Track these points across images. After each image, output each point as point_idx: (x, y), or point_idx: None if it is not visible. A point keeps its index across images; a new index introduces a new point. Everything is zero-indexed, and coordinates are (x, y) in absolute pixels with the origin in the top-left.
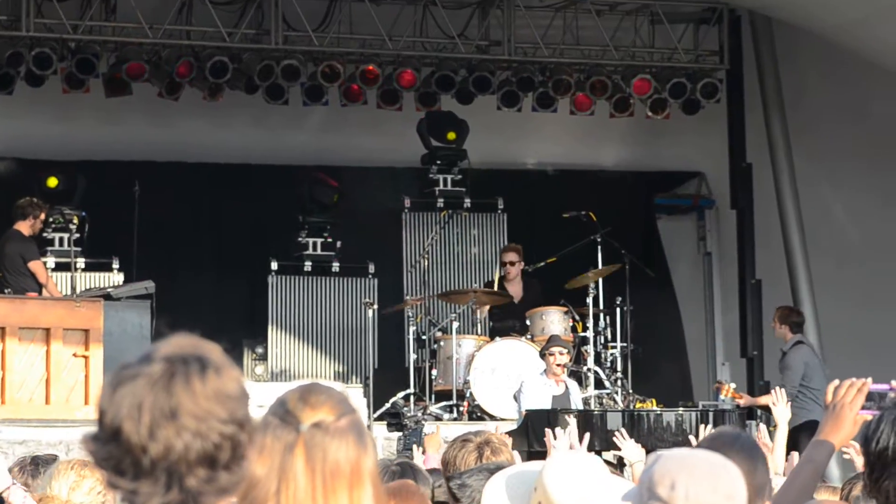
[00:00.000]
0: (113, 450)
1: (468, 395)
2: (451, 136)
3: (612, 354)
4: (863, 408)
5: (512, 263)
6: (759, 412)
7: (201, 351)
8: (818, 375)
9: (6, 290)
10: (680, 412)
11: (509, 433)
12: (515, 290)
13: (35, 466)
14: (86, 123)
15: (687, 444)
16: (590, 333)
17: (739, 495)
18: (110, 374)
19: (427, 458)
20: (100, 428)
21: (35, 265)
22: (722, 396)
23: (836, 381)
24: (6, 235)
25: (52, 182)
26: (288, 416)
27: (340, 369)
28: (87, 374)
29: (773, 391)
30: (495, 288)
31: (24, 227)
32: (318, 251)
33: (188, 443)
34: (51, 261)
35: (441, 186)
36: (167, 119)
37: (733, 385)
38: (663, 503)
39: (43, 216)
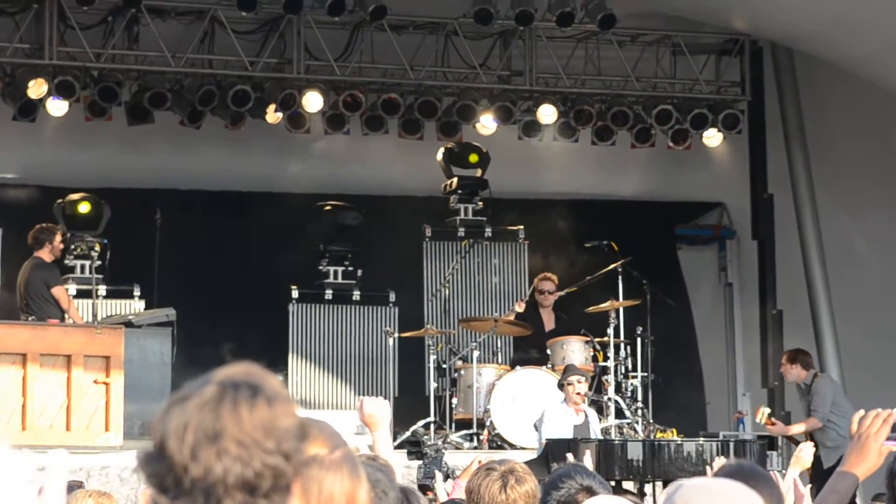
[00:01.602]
0: (158, 467)
1: (488, 423)
2: (474, 158)
3: (632, 384)
4: (888, 438)
5: (550, 292)
6: (779, 444)
7: (256, 379)
8: (847, 402)
9: (30, 318)
10: (700, 442)
11: (529, 462)
12: (548, 318)
13: None
14: (108, 151)
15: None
16: (610, 363)
17: None
18: (171, 396)
19: (456, 484)
20: (151, 446)
21: (58, 291)
22: (757, 419)
23: (862, 412)
24: (29, 263)
25: (86, 209)
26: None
27: (361, 398)
28: (107, 401)
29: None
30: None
31: (45, 254)
32: (339, 279)
33: (228, 467)
34: (72, 288)
35: (462, 216)
36: (189, 147)
37: (768, 410)
38: None
39: (59, 238)
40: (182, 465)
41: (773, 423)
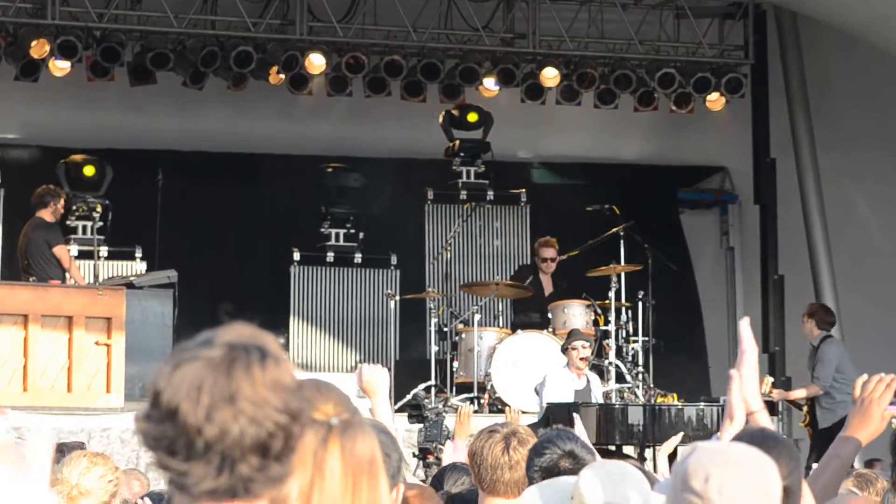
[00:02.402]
0: (167, 429)
1: (489, 387)
2: (473, 117)
3: (633, 349)
4: (891, 403)
5: (553, 259)
6: (780, 408)
7: (262, 341)
8: (851, 368)
9: (31, 278)
10: (701, 407)
11: (530, 426)
12: (547, 283)
13: (61, 454)
14: (110, 112)
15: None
16: (611, 327)
17: (774, 491)
18: (169, 355)
19: (455, 445)
20: (154, 407)
21: (59, 250)
22: (762, 389)
23: (865, 376)
24: (31, 223)
25: (89, 171)
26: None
27: (361, 360)
28: (108, 363)
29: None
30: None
31: (47, 214)
32: (341, 242)
33: (244, 428)
34: (74, 249)
35: (464, 178)
36: (191, 108)
37: (771, 379)
38: (697, 496)
39: (62, 201)
40: (196, 427)
41: (773, 392)
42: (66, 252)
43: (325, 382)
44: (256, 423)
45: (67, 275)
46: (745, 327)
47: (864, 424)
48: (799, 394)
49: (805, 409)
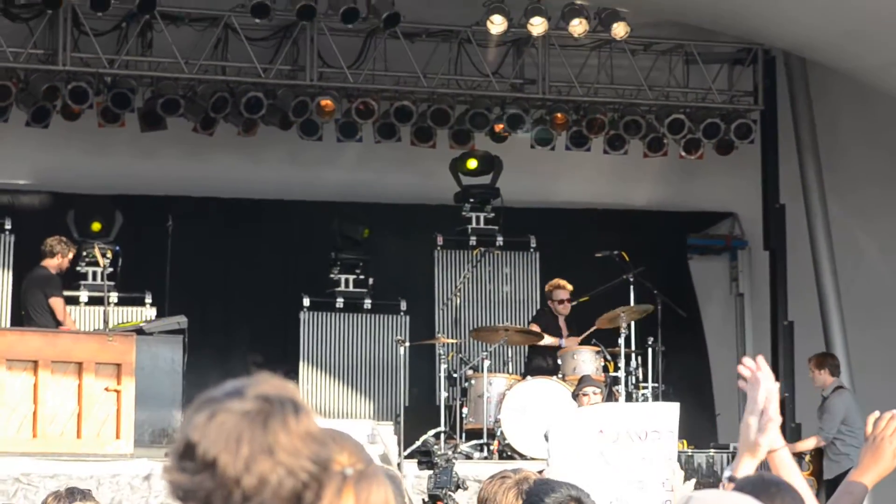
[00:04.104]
0: (204, 481)
1: (499, 433)
2: (471, 164)
3: (643, 395)
4: None
5: (569, 301)
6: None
7: (292, 392)
8: (859, 420)
9: (26, 325)
10: (711, 453)
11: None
12: (564, 326)
13: (71, 498)
14: (121, 158)
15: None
16: (621, 373)
17: None
18: (196, 405)
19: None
20: (188, 458)
21: (55, 302)
22: None
23: (877, 413)
24: (33, 272)
25: (96, 227)
26: (329, 462)
27: (371, 406)
28: (118, 409)
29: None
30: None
31: (51, 264)
32: (351, 288)
33: (281, 479)
34: (84, 295)
35: (474, 224)
36: (201, 154)
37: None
38: None
39: (71, 255)
40: (235, 479)
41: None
42: (61, 304)
43: (339, 431)
44: (292, 474)
45: (61, 328)
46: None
47: (875, 461)
48: (806, 445)
49: (808, 458)
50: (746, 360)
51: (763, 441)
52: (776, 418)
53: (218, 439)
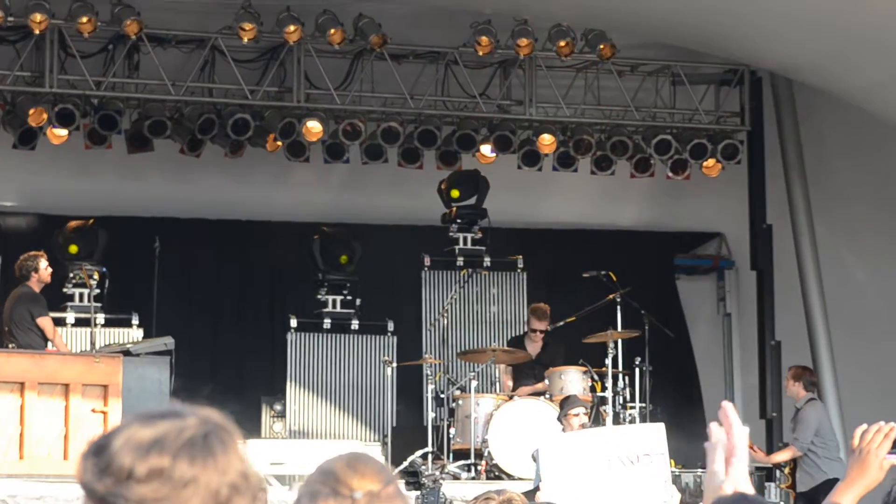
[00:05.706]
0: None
1: (486, 454)
2: (455, 194)
3: (630, 415)
4: (890, 452)
5: (541, 331)
6: (777, 474)
7: (227, 423)
8: (831, 432)
9: (10, 346)
10: (699, 473)
11: (526, 493)
12: (533, 348)
13: None
14: (107, 179)
15: None
16: (608, 394)
17: None
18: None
19: None
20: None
21: (43, 321)
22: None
23: (864, 426)
24: (17, 293)
25: (73, 249)
26: (339, 486)
27: (359, 427)
28: (105, 430)
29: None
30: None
31: (33, 282)
32: (338, 308)
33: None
34: (70, 316)
35: (461, 245)
36: (188, 176)
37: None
38: None
39: (43, 262)
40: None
41: (755, 451)
42: (49, 323)
43: (361, 453)
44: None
45: (50, 345)
46: (731, 409)
47: (862, 474)
48: (781, 457)
49: (786, 471)
50: (717, 420)
51: (727, 486)
52: (743, 458)
53: (144, 465)
